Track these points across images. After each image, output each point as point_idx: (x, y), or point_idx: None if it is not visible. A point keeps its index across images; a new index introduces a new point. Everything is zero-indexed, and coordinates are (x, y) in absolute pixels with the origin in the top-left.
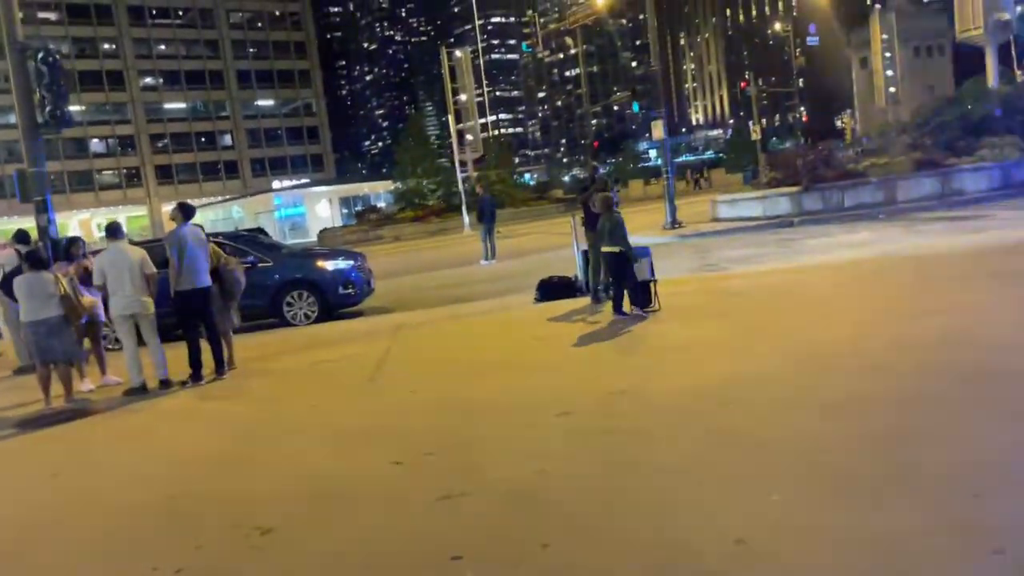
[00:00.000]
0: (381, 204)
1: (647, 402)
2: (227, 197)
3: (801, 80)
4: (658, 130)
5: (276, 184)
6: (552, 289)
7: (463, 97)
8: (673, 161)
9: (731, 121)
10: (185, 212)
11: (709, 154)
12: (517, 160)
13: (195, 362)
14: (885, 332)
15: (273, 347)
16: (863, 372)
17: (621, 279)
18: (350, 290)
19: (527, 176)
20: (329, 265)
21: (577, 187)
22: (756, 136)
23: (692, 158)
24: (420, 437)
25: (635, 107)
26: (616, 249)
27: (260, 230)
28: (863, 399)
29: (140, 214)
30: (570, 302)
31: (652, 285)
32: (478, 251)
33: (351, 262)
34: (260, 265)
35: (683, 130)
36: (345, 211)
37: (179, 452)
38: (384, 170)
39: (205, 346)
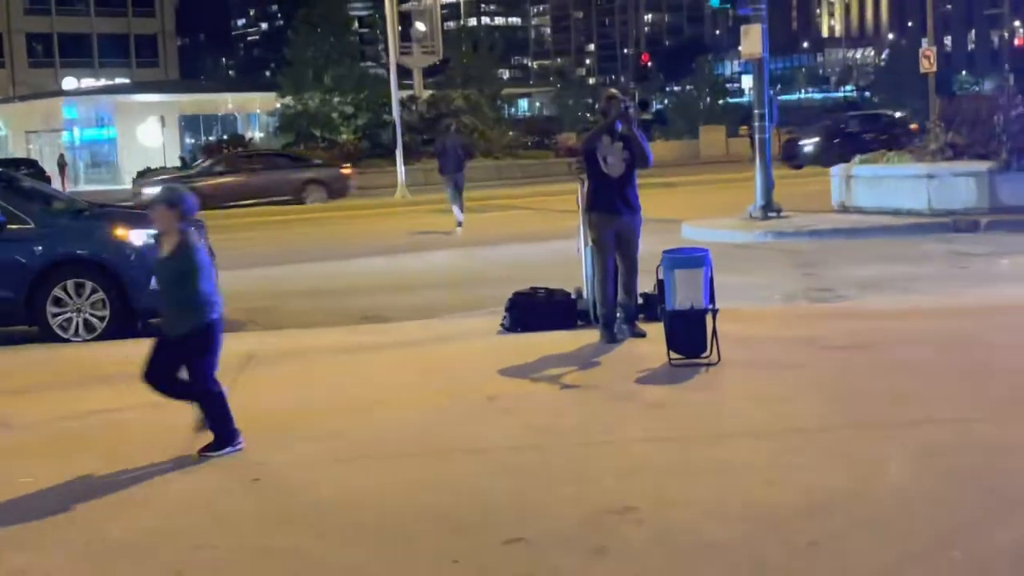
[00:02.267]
0: (256, 134)
1: (670, 544)
2: None
3: None
4: (751, 40)
5: (69, 83)
6: (534, 311)
7: None
8: (776, 100)
9: (890, 36)
10: None
11: (848, 90)
12: (506, 74)
13: None
14: None
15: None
16: None
17: (629, 292)
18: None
19: (522, 104)
20: (135, 237)
21: (582, 135)
22: (929, 67)
23: (819, 95)
24: None
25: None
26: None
27: (25, 163)
28: None
29: None
30: (564, 336)
31: (708, 318)
32: (417, 229)
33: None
34: (7, 231)
35: (805, 44)
36: (191, 140)
37: None
38: (268, 74)
39: None
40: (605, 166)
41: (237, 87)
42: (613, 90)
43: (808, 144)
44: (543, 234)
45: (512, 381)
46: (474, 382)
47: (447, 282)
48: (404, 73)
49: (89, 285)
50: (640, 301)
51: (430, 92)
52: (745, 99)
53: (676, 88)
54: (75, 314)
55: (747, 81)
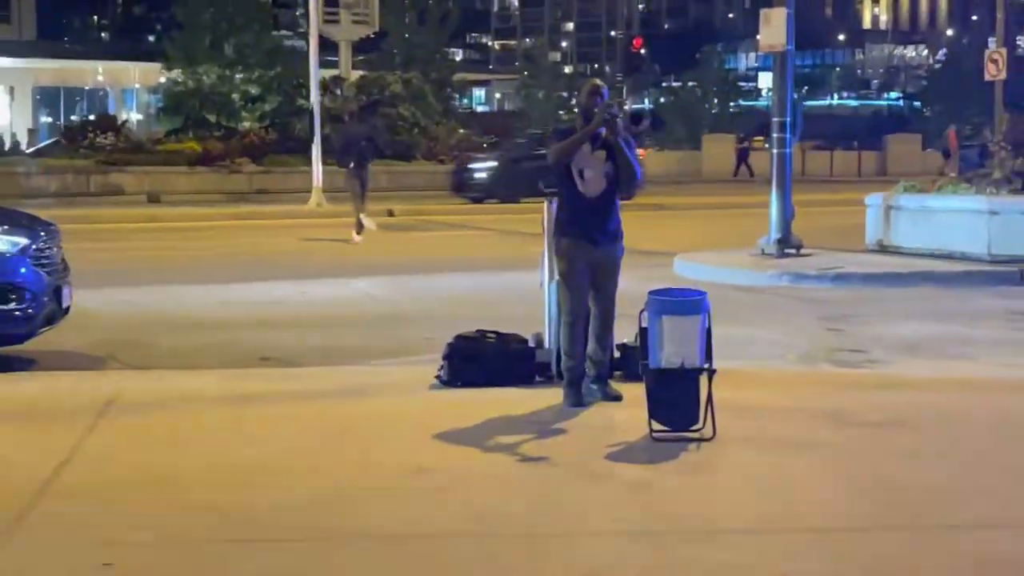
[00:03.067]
0: (132, 115)
1: None
2: None
3: None
4: (774, 28)
5: None
6: (481, 362)
7: None
8: (801, 105)
9: (948, 32)
10: None
11: (892, 97)
12: (460, 55)
13: None
14: None
15: None
16: None
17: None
18: (11, 305)
19: (477, 94)
20: None
21: (551, 137)
22: (995, 74)
23: (856, 102)
24: None
25: None
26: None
27: None
28: None
29: None
30: (518, 395)
31: (703, 380)
32: (338, 242)
33: (18, 242)
34: None
35: (841, 38)
36: (48, 118)
37: None
38: (152, 39)
39: None
40: (581, 182)
41: (111, 54)
42: (598, 81)
43: (481, 171)
44: (496, 262)
45: (448, 450)
46: (398, 449)
47: (369, 318)
48: (328, 47)
49: None
50: (616, 354)
51: (360, 73)
52: (762, 102)
53: (675, 84)
54: None
55: (766, 79)
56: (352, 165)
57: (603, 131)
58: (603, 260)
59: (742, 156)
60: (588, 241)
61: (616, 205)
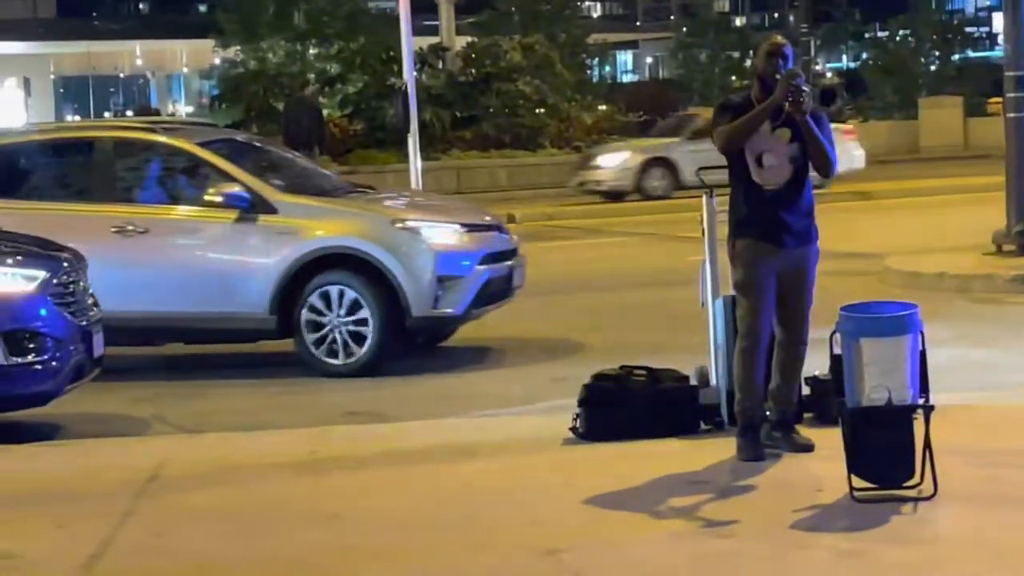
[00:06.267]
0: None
1: None
2: None
3: None
4: None
5: None
6: (627, 408)
7: None
8: None
9: None
10: None
11: None
12: (597, 10)
13: None
14: None
15: None
16: None
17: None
18: (30, 357)
19: (622, 60)
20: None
21: (719, 112)
22: None
23: None
24: None
25: None
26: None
27: None
28: None
29: None
30: (677, 449)
31: (917, 422)
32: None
33: (36, 275)
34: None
35: None
36: (74, 115)
37: None
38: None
39: None
40: (759, 170)
41: (151, 31)
42: (779, 38)
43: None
44: (644, 273)
45: (587, 524)
46: (520, 524)
47: (478, 353)
48: (425, 7)
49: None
50: (806, 391)
51: (468, 40)
52: (997, 52)
53: (881, 35)
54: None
55: (1000, 22)
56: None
57: (786, 105)
58: (792, 267)
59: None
60: (772, 243)
61: (808, 197)
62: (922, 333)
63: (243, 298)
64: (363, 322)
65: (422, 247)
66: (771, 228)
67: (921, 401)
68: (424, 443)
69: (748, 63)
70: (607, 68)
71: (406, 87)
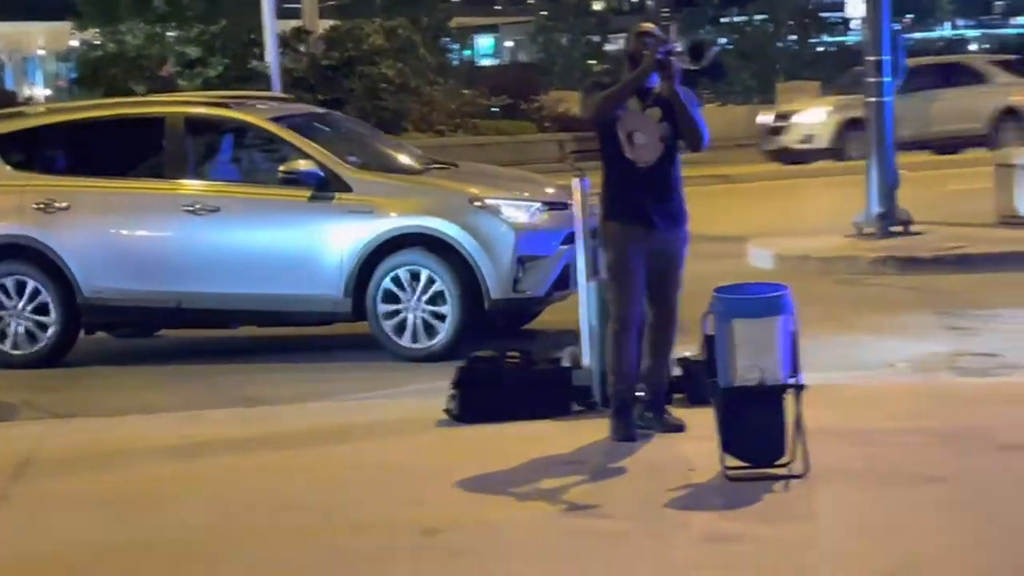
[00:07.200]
0: (37, 92)
1: None
2: None
3: None
4: None
5: None
6: (501, 390)
7: None
8: (902, 39)
9: None
10: None
11: None
12: None
13: None
14: None
15: None
16: None
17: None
18: None
19: (483, 44)
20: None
21: (588, 89)
22: None
23: (976, 32)
24: None
25: None
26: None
27: None
28: None
29: None
30: (550, 430)
31: (788, 399)
32: None
33: None
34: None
35: None
36: None
37: None
38: None
39: None
40: (631, 148)
41: (5, 13)
42: (648, 24)
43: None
44: None
45: (464, 504)
46: (398, 505)
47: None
48: None
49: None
50: (677, 372)
51: (331, 23)
52: (852, 37)
53: (738, 19)
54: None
55: (856, 6)
56: None
57: (656, 81)
58: (662, 250)
59: None
60: (643, 225)
61: (678, 178)
62: (793, 314)
63: (317, 280)
64: (441, 304)
65: (502, 227)
66: (642, 210)
67: (792, 381)
68: (299, 426)
69: (609, 46)
70: (468, 52)
71: (269, 71)
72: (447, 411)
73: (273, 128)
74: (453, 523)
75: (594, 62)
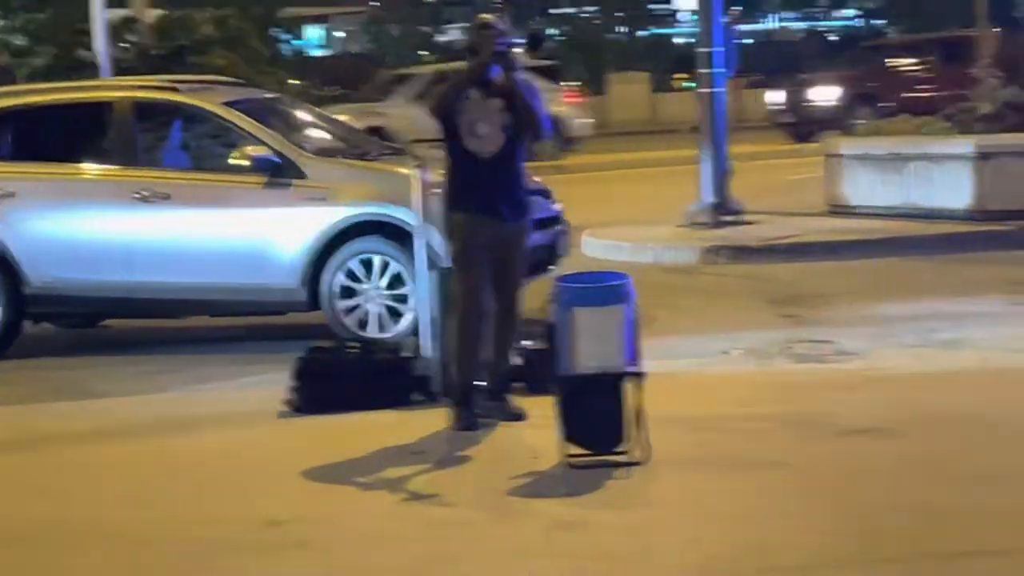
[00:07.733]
0: None
1: None
2: None
3: None
4: None
5: None
6: (342, 381)
7: None
8: (733, 32)
9: None
10: None
11: (849, 16)
12: None
13: None
14: None
15: None
16: None
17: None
18: None
19: (314, 34)
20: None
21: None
22: None
23: (804, 23)
24: None
25: None
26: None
27: None
28: None
29: None
30: (391, 420)
31: (629, 388)
32: None
33: None
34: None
35: None
36: None
37: None
38: None
39: None
40: (473, 139)
41: None
42: (488, 16)
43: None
44: None
45: (305, 496)
46: (244, 498)
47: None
48: None
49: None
50: (517, 361)
51: (160, 13)
52: (682, 29)
53: (569, 11)
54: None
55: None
56: None
57: (498, 72)
58: (506, 240)
59: None
60: (487, 215)
61: (520, 167)
62: (634, 303)
63: (272, 269)
64: (401, 294)
65: None
66: (486, 200)
67: (632, 369)
68: (138, 418)
69: (439, 37)
70: (298, 42)
71: (97, 60)
72: (288, 402)
73: (224, 113)
74: (298, 514)
75: (425, 53)
